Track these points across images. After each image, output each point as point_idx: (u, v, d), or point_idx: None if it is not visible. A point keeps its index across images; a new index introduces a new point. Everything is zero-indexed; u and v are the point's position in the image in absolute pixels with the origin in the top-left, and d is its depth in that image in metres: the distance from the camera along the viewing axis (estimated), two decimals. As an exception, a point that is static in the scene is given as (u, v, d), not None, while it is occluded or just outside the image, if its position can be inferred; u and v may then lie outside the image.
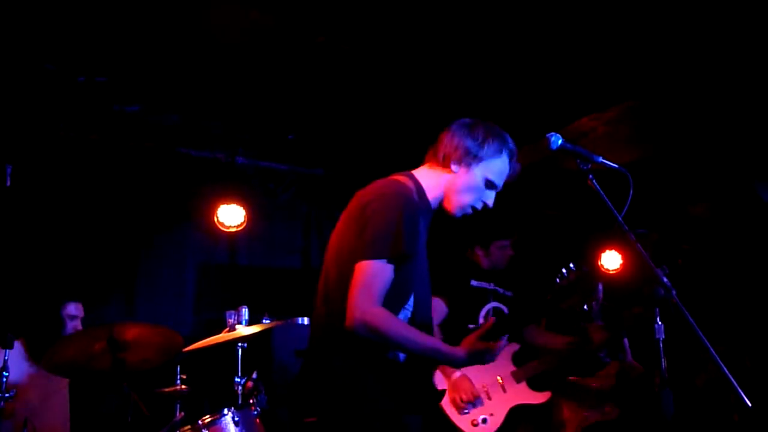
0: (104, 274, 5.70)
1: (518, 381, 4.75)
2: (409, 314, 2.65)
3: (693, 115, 5.35)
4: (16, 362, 4.48)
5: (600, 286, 5.45)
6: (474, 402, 4.55)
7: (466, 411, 4.56)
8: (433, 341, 2.56)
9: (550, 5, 4.10)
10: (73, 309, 4.81)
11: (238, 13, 4.10)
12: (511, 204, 6.88)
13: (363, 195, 2.70)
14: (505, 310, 4.96)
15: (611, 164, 2.60)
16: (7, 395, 4.04)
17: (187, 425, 3.98)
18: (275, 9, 4.10)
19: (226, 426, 3.99)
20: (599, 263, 7.32)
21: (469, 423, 4.56)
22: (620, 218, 2.49)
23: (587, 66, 4.72)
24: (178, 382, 4.65)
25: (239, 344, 4.70)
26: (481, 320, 4.87)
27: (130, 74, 4.81)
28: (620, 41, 4.43)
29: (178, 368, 4.68)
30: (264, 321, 4.50)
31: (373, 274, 2.47)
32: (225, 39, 4.40)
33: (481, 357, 2.57)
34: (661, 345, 3.06)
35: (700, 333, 2.29)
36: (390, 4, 4.09)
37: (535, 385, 4.79)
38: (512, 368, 4.80)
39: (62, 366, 4.11)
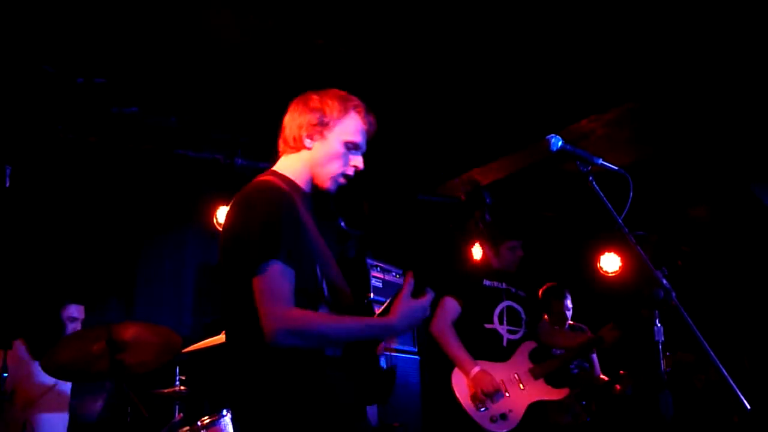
0: (103, 275, 5.70)
1: (536, 378, 4.77)
2: (328, 307, 2.48)
3: (692, 117, 5.36)
4: (16, 362, 4.48)
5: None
6: (494, 396, 4.57)
7: (485, 408, 4.57)
8: (362, 319, 2.42)
9: (550, 7, 4.10)
10: (74, 311, 4.80)
11: (237, 15, 4.10)
12: (519, 205, 6.95)
13: (227, 217, 2.56)
14: (519, 309, 4.97)
15: (611, 166, 2.59)
16: (6, 395, 4.04)
17: (186, 426, 3.98)
18: (274, 11, 4.10)
19: (224, 427, 3.99)
20: (598, 266, 7.33)
21: (488, 419, 4.57)
22: (620, 220, 2.49)
23: (587, 68, 4.72)
24: (177, 383, 4.64)
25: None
26: (495, 319, 4.87)
27: (129, 76, 4.81)
28: (620, 43, 4.43)
29: (177, 369, 4.68)
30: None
31: (269, 280, 2.26)
32: (224, 41, 4.40)
33: (414, 315, 2.39)
34: (660, 347, 3.07)
35: (699, 335, 2.29)
36: (389, 7, 4.09)
37: (553, 382, 4.82)
38: (529, 365, 4.81)
39: (61, 367, 4.10)
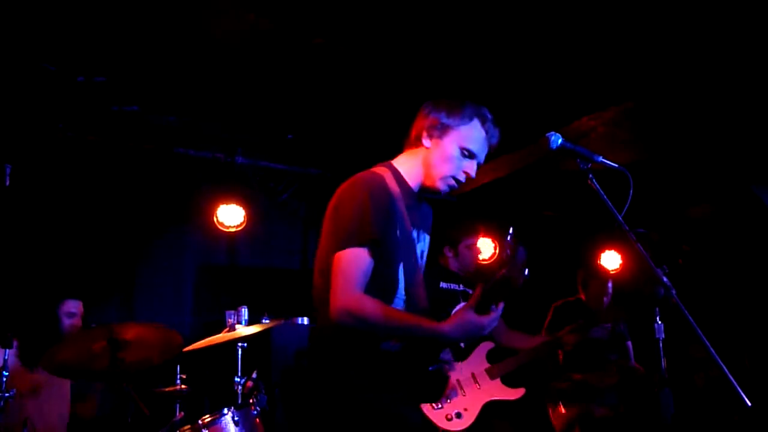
0: (103, 274, 5.70)
1: (492, 377, 4.80)
2: (402, 303, 2.62)
3: (693, 116, 5.35)
4: (16, 361, 4.49)
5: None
6: (448, 396, 4.60)
7: (440, 406, 4.59)
8: (418, 319, 2.47)
9: (551, 5, 4.10)
10: (72, 306, 4.80)
11: (237, 14, 4.10)
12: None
13: (336, 194, 2.69)
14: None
15: (611, 164, 2.59)
16: (6, 395, 4.04)
17: (186, 425, 3.98)
18: (273, 10, 4.10)
19: (225, 426, 3.99)
20: (599, 263, 7.33)
21: (444, 417, 4.59)
22: (620, 218, 2.49)
23: (587, 66, 4.72)
24: (178, 381, 4.65)
25: (239, 344, 4.70)
26: None
27: (129, 75, 4.81)
28: (620, 42, 4.42)
29: (178, 368, 4.68)
30: (263, 321, 4.50)
31: (347, 262, 2.45)
32: (224, 40, 4.40)
33: (470, 329, 2.40)
34: (661, 345, 3.07)
35: (700, 332, 2.29)
36: (388, 6, 4.09)
37: (509, 382, 4.84)
38: (486, 365, 4.85)
39: (62, 366, 4.10)
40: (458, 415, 4.61)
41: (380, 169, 2.77)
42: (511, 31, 4.36)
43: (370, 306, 2.41)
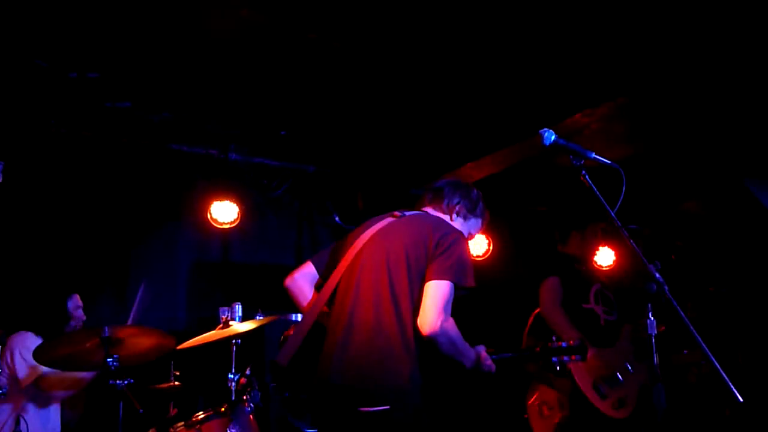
0: (96, 270, 5.69)
1: (640, 360, 4.84)
2: None
3: (685, 112, 5.36)
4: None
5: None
6: (611, 381, 4.67)
7: (607, 396, 4.66)
8: (473, 350, 3.14)
9: (545, 2, 4.10)
10: (79, 300, 4.85)
11: (230, 9, 4.09)
12: (513, 199, 6.95)
13: (428, 224, 3.22)
14: (608, 292, 5.11)
15: (604, 160, 2.60)
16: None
17: (180, 421, 3.98)
18: (267, 5, 4.09)
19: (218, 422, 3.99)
20: (593, 260, 7.34)
21: (610, 406, 4.65)
22: (613, 214, 2.50)
23: (581, 63, 4.72)
24: (172, 378, 4.65)
25: (233, 341, 4.70)
26: (591, 299, 5.00)
27: (122, 70, 4.80)
28: (613, 37, 4.43)
29: (172, 364, 4.68)
30: (257, 317, 4.50)
31: (450, 293, 2.96)
32: (217, 35, 4.39)
33: (486, 368, 3.19)
34: (653, 340, 3.08)
35: (692, 328, 2.30)
36: (382, 1, 4.09)
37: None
38: (632, 348, 4.90)
39: (55, 362, 4.10)
40: (621, 402, 4.66)
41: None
42: (505, 27, 4.36)
43: (459, 334, 3.01)
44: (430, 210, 3.46)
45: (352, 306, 3.07)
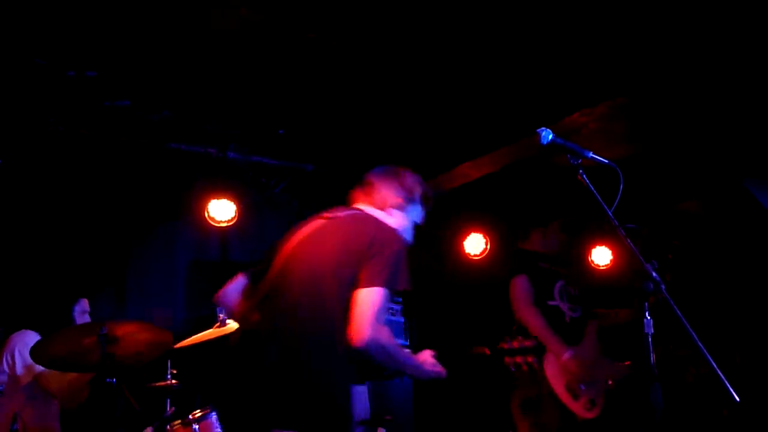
0: (94, 269, 5.68)
1: (606, 357, 4.89)
2: None
3: (684, 112, 5.37)
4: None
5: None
6: (586, 382, 4.66)
7: (580, 397, 4.64)
8: (413, 357, 3.01)
9: (544, 1, 4.11)
10: (86, 304, 4.85)
11: (229, 8, 4.09)
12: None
13: (358, 224, 3.05)
14: (571, 288, 5.13)
15: (601, 159, 2.61)
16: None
17: (177, 420, 3.98)
18: (265, 4, 4.09)
19: (215, 421, 4.00)
20: (589, 259, 7.35)
21: (582, 408, 4.63)
22: (610, 213, 2.50)
23: (579, 62, 4.73)
24: (169, 376, 4.65)
25: (230, 339, 4.70)
26: (557, 296, 5.00)
27: (121, 69, 4.79)
28: (612, 38, 4.43)
29: (169, 363, 4.68)
30: (255, 316, 4.49)
31: (382, 300, 2.74)
32: (216, 34, 4.39)
33: (434, 374, 3.03)
34: (650, 339, 3.08)
35: (690, 328, 2.30)
36: (380, 1, 4.09)
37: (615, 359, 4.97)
38: (600, 346, 4.92)
39: (52, 360, 4.10)
40: (593, 403, 4.65)
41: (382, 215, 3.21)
42: (504, 25, 4.36)
43: (393, 343, 2.82)
44: (363, 206, 3.25)
45: (279, 318, 2.89)
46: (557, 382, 4.67)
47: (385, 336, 2.73)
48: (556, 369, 4.68)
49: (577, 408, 4.63)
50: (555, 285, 5.08)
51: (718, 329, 6.32)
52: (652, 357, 2.77)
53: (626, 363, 5.00)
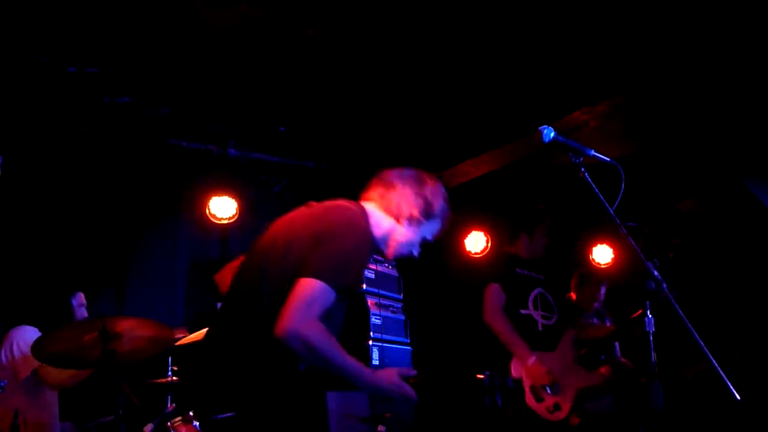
0: (95, 266, 5.68)
1: (580, 365, 5.00)
2: None
3: (684, 110, 5.37)
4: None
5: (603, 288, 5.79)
6: (551, 387, 4.78)
7: (543, 399, 4.77)
8: (360, 365, 2.67)
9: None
10: (83, 297, 4.85)
11: (229, 5, 4.09)
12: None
13: (323, 212, 2.88)
14: (549, 296, 5.21)
15: (603, 157, 2.59)
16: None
17: (178, 416, 3.97)
18: (265, 1, 4.09)
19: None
20: (591, 258, 7.34)
21: (546, 410, 4.75)
22: (612, 211, 2.49)
23: (580, 61, 4.72)
24: (170, 373, 4.64)
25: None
26: (530, 305, 5.09)
27: (121, 66, 4.79)
28: (613, 37, 4.43)
29: (170, 359, 4.68)
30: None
31: (320, 294, 2.56)
32: (216, 31, 4.39)
33: (390, 389, 2.71)
34: (651, 338, 3.08)
35: (690, 326, 2.30)
36: (382, -3, 4.09)
37: (589, 367, 5.09)
38: (574, 353, 5.02)
39: (53, 357, 4.09)
40: (557, 407, 4.77)
41: (362, 213, 2.92)
42: (505, 23, 4.36)
43: (327, 339, 2.56)
44: (375, 208, 3.01)
45: (225, 300, 2.87)
46: (524, 384, 4.85)
47: (315, 331, 2.52)
48: (522, 372, 4.86)
49: (540, 410, 4.78)
50: (531, 293, 5.18)
51: (718, 327, 6.32)
52: (653, 355, 2.78)
53: (602, 371, 5.12)
